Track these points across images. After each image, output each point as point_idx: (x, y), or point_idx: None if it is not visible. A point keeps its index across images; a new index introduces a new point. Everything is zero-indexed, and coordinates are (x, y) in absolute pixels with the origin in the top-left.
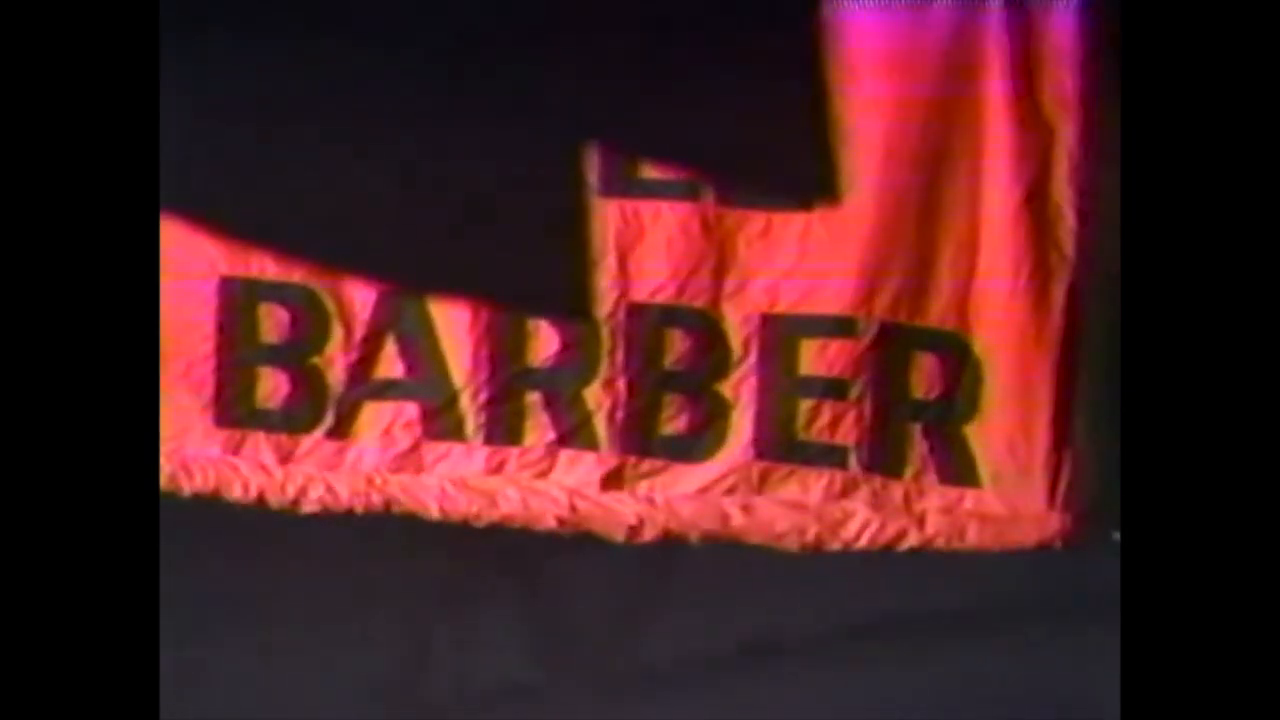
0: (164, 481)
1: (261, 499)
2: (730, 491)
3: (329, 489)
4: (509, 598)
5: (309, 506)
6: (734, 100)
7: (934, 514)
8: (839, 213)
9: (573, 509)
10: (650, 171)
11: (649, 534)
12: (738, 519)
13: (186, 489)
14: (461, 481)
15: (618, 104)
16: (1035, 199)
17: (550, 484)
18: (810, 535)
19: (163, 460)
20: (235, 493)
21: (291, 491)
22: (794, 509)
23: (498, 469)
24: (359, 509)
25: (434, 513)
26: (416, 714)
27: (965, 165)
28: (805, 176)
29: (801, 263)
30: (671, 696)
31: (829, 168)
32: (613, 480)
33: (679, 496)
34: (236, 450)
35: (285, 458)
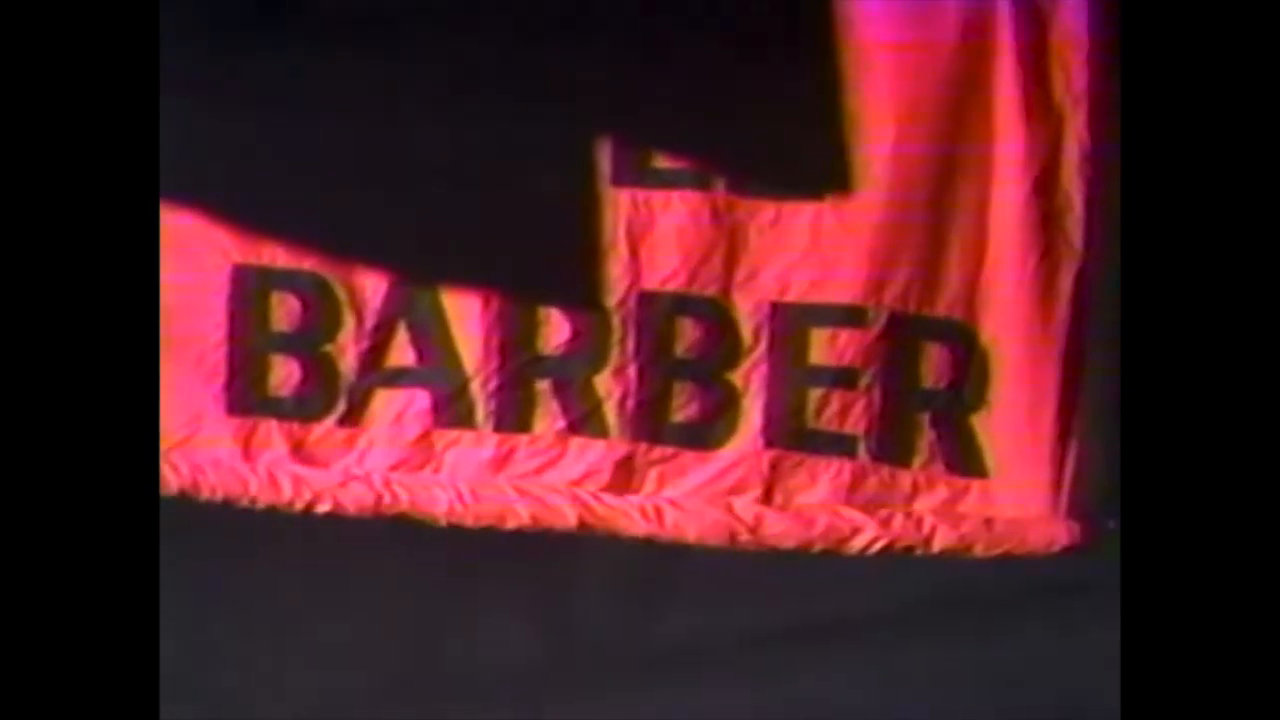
0: (175, 489)
1: (271, 510)
2: (741, 482)
3: (337, 504)
4: (514, 589)
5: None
6: (745, 90)
7: (942, 528)
8: (849, 203)
9: (581, 523)
10: (662, 161)
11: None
12: (745, 536)
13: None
14: (472, 494)
15: (629, 94)
16: (1044, 189)
17: (561, 498)
18: (816, 549)
19: (172, 470)
20: (244, 504)
21: (299, 506)
22: (802, 524)
23: (507, 457)
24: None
25: (442, 522)
26: (420, 706)
27: (975, 156)
28: (816, 167)
29: (812, 252)
30: (677, 689)
31: (840, 158)
32: (623, 468)
33: (686, 512)
34: (249, 438)
35: (297, 446)
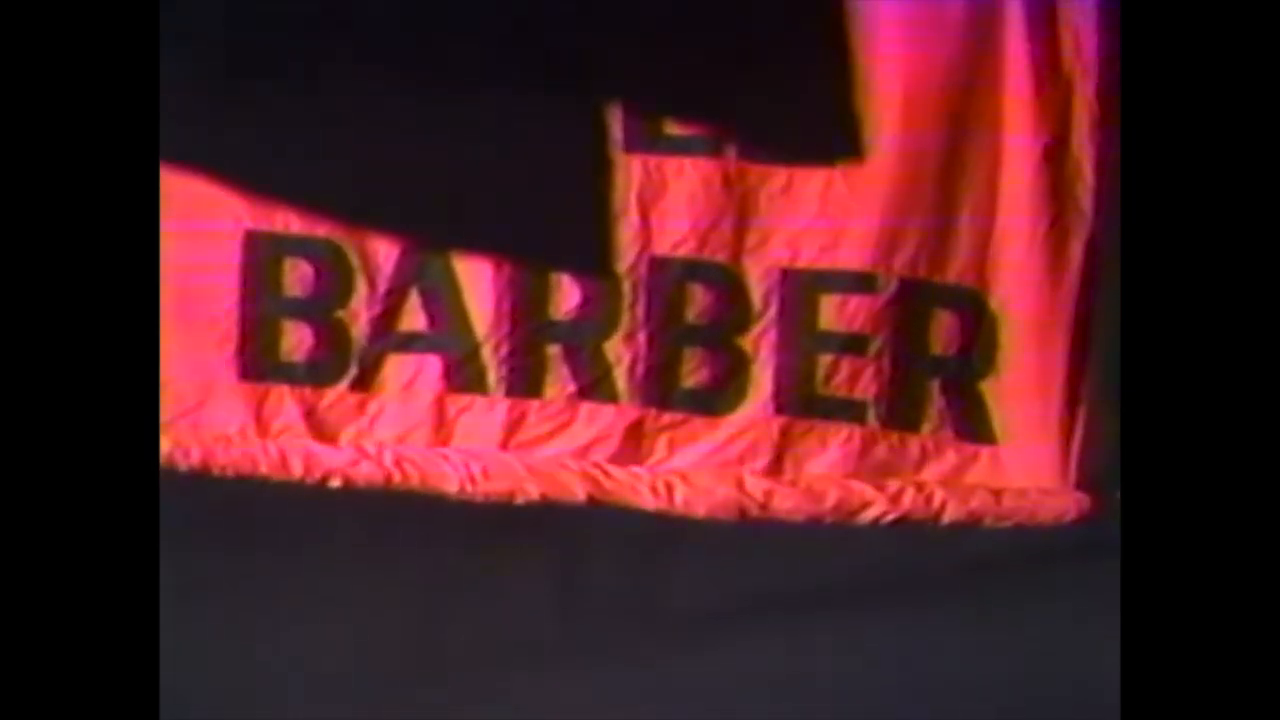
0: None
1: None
2: (751, 448)
3: (347, 480)
4: (525, 556)
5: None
6: (757, 57)
7: (952, 503)
8: (860, 169)
9: (590, 499)
10: (673, 127)
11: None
12: (755, 511)
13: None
14: (483, 472)
15: (641, 60)
16: (1054, 156)
17: (571, 474)
18: (826, 523)
19: (182, 452)
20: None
21: (309, 483)
22: (812, 499)
23: (518, 422)
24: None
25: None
26: (433, 672)
27: (985, 123)
28: (827, 133)
29: (822, 219)
30: (683, 655)
31: (851, 125)
32: (633, 434)
33: (696, 489)
34: (261, 404)
35: (309, 412)
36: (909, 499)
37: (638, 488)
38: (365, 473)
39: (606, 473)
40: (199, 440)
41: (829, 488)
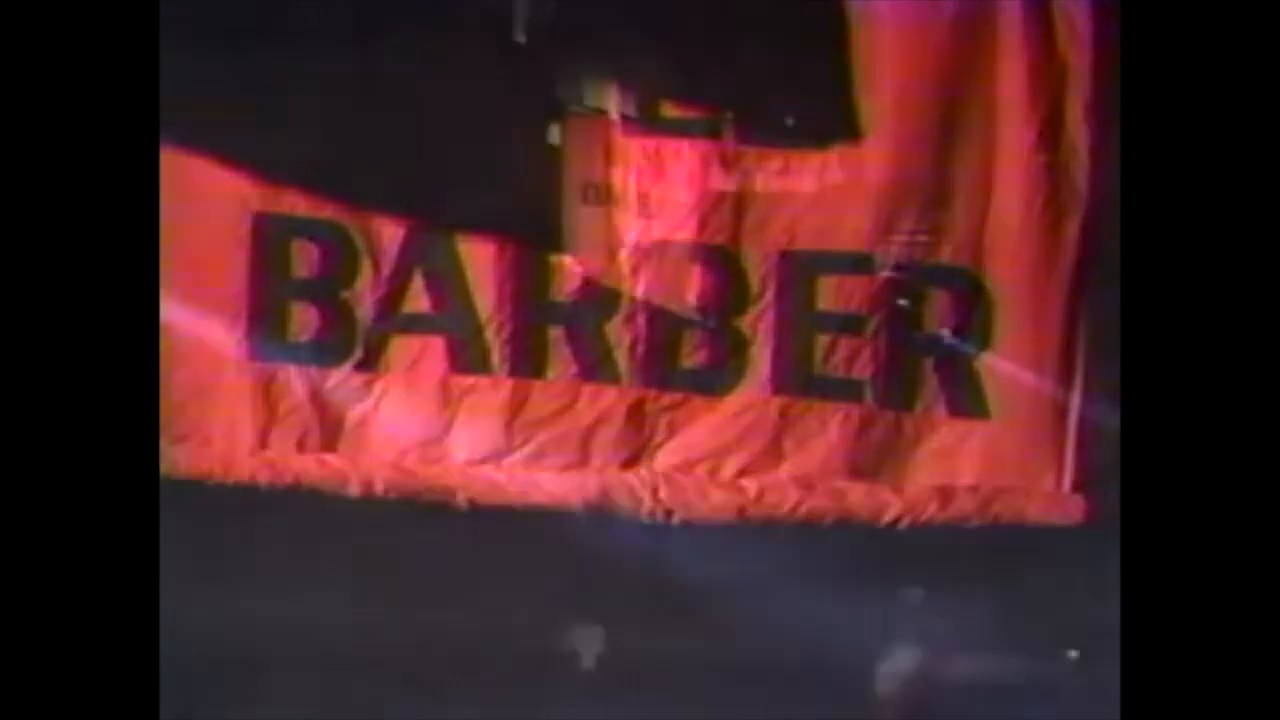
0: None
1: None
2: (750, 428)
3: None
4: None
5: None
6: (754, 41)
7: (942, 517)
8: (857, 152)
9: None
10: (672, 110)
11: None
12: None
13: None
14: (490, 494)
15: (640, 44)
16: (1049, 137)
17: (572, 500)
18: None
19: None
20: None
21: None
22: (811, 518)
23: (522, 402)
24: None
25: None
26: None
27: (980, 105)
28: (824, 117)
29: (819, 201)
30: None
31: (847, 108)
32: (635, 414)
33: (693, 515)
34: (269, 385)
35: (314, 392)
36: (905, 519)
37: (638, 500)
38: (378, 476)
39: (606, 494)
40: (207, 435)
41: (826, 513)
